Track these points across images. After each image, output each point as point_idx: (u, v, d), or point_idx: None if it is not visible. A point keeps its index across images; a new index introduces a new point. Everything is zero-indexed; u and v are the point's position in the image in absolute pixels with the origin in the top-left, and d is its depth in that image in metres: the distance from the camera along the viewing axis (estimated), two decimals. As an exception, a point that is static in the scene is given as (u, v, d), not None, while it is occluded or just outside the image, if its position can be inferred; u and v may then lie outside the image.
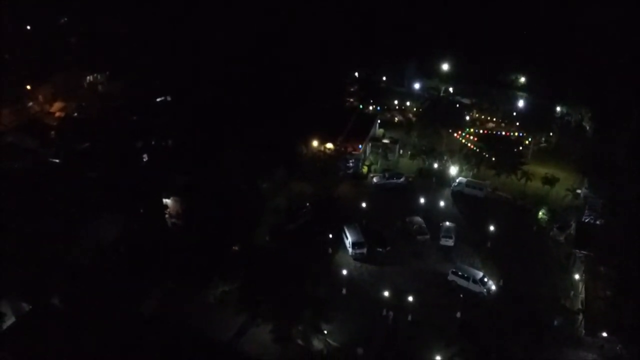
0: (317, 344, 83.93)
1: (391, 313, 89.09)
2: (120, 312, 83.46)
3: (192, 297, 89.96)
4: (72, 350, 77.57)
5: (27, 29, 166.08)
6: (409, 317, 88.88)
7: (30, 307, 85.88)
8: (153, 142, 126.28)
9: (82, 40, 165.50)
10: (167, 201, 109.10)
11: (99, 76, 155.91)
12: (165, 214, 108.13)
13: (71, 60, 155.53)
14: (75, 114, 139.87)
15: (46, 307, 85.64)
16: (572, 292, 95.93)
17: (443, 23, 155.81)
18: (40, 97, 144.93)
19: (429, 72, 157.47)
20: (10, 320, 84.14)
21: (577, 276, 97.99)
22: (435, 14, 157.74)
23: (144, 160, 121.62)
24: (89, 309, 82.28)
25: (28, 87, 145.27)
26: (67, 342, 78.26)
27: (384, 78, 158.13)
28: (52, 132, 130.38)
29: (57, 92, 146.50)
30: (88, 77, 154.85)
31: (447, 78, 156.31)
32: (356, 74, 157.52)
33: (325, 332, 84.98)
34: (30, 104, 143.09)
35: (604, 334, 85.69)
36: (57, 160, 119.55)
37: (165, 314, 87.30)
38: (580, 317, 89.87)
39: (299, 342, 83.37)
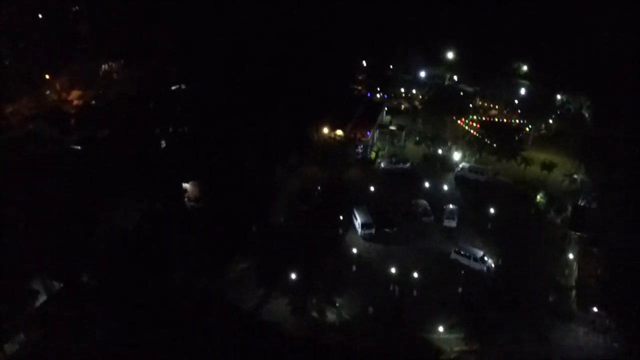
0: (330, 315, 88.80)
1: (397, 288, 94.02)
2: (150, 286, 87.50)
3: (213, 275, 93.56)
4: (104, 325, 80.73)
5: (39, 17, 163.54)
6: (414, 292, 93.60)
7: (62, 285, 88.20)
8: (170, 129, 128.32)
9: (95, 28, 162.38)
10: (185, 185, 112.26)
11: (113, 64, 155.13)
12: (185, 197, 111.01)
13: (85, 49, 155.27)
14: (93, 102, 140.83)
15: (77, 285, 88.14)
16: (566, 271, 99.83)
17: (448, 12, 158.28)
18: (58, 86, 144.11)
19: (435, 61, 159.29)
20: (42, 298, 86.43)
21: (571, 256, 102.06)
22: (441, 2, 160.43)
23: (162, 146, 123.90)
24: (119, 285, 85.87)
25: (47, 76, 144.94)
26: (99, 318, 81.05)
27: (391, 66, 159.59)
28: (72, 120, 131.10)
29: (74, 81, 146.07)
30: (103, 66, 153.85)
31: (452, 66, 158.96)
32: (364, 62, 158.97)
33: (338, 304, 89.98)
34: (48, 92, 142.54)
35: (595, 309, 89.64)
36: (79, 147, 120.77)
37: (190, 286, 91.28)
38: (574, 293, 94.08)
39: (314, 314, 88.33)
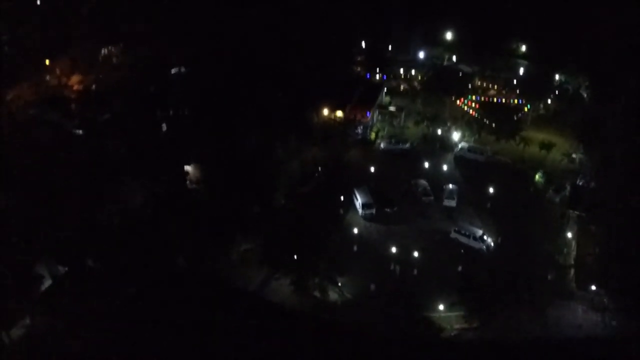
0: (332, 294, 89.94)
1: (398, 267, 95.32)
2: (154, 267, 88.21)
3: (216, 256, 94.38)
4: (109, 307, 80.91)
5: (37, 3, 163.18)
6: (415, 271, 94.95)
7: (66, 269, 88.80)
8: (171, 112, 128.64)
9: (93, 12, 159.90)
10: (187, 168, 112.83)
11: (113, 49, 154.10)
12: (186, 180, 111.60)
13: (85, 34, 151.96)
14: (94, 86, 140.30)
15: (82, 269, 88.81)
16: (565, 249, 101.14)
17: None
18: (58, 71, 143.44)
19: (433, 41, 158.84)
20: (47, 283, 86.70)
21: (570, 234, 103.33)
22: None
23: (163, 129, 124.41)
24: (124, 268, 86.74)
25: (47, 62, 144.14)
26: (104, 301, 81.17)
27: (390, 47, 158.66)
28: (73, 105, 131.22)
29: (74, 66, 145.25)
30: (103, 50, 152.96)
31: (451, 47, 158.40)
32: (363, 44, 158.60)
33: (339, 284, 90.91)
34: (48, 78, 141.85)
35: (593, 287, 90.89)
36: (80, 132, 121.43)
37: (194, 267, 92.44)
38: (572, 271, 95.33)
39: (316, 293, 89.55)
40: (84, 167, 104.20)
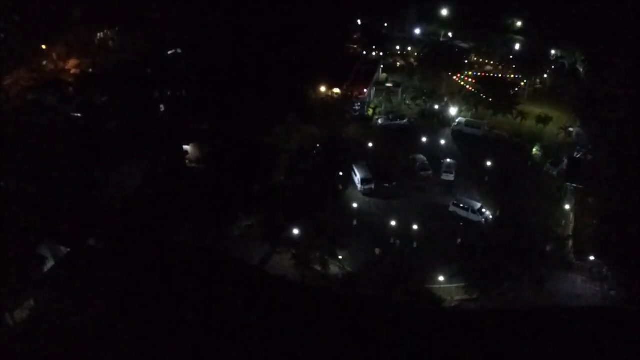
0: (333, 268, 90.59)
1: (398, 241, 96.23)
2: (155, 244, 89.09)
3: (218, 232, 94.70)
4: (111, 286, 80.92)
5: None
6: (414, 244, 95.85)
7: (68, 249, 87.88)
8: (168, 93, 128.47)
9: None
10: (186, 147, 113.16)
11: (109, 32, 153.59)
12: (186, 159, 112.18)
13: (81, 18, 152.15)
14: (90, 70, 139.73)
15: (84, 248, 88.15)
16: (563, 221, 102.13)
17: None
18: (54, 56, 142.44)
19: (429, 18, 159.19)
20: (50, 264, 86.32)
21: (567, 206, 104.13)
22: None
23: (161, 110, 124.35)
24: (125, 246, 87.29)
25: (43, 46, 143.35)
26: (107, 281, 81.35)
27: (386, 25, 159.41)
28: (70, 88, 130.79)
29: (71, 50, 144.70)
30: (99, 34, 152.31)
31: (447, 23, 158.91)
32: (359, 21, 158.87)
33: (340, 257, 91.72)
34: (45, 62, 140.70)
35: (592, 258, 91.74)
36: (79, 115, 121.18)
37: (196, 244, 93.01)
38: (570, 243, 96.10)
39: (317, 267, 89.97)
40: (84, 149, 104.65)
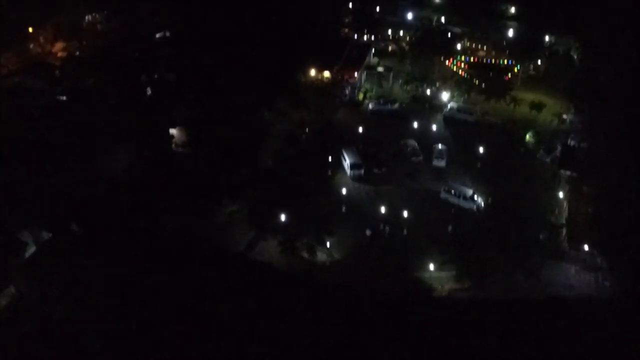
0: (320, 256, 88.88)
1: (388, 228, 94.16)
2: (139, 230, 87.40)
3: (203, 219, 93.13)
4: (94, 272, 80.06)
5: None
6: (404, 231, 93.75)
7: (50, 235, 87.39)
8: (156, 76, 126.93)
9: None
10: (172, 131, 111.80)
11: (97, 15, 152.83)
12: (172, 143, 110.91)
13: (68, 1, 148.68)
14: (77, 53, 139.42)
15: (66, 234, 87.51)
16: (556, 209, 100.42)
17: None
18: (42, 39, 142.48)
19: (422, 2, 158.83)
20: (31, 249, 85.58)
21: (561, 194, 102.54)
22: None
23: (148, 93, 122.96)
24: (108, 232, 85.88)
25: (30, 29, 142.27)
26: (89, 266, 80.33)
27: (377, 9, 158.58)
28: (57, 72, 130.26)
29: (58, 33, 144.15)
30: (87, 17, 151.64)
31: (439, 8, 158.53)
32: (350, 5, 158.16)
33: (328, 245, 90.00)
34: (32, 46, 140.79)
35: (586, 247, 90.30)
36: (65, 98, 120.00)
37: (180, 230, 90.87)
38: (564, 231, 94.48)
39: (304, 254, 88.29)
40: (69, 132, 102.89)
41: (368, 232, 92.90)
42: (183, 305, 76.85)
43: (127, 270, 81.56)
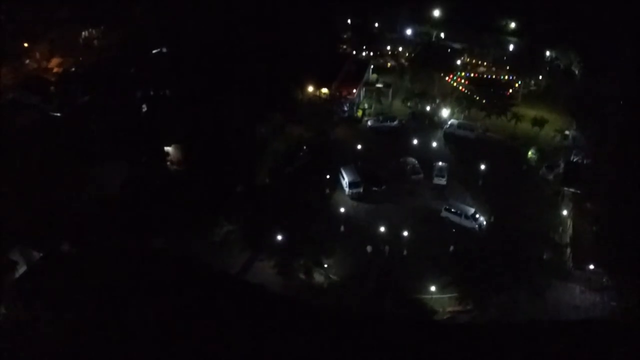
0: (317, 277, 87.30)
1: (387, 248, 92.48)
2: (130, 250, 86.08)
3: (197, 238, 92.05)
4: (85, 293, 78.70)
5: None
6: (404, 252, 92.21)
7: (41, 254, 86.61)
8: (151, 93, 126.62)
9: None
10: (168, 149, 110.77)
11: (94, 31, 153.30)
12: (167, 161, 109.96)
13: (65, 16, 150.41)
14: (73, 69, 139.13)
15: (57, 254, 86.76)
16: (560, 228, 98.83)
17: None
18: (37, 54, 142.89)
19: (421, 18, 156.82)
20: (22, 269, 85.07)
21: (565, 212, 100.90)
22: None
23: (144, 110, 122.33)
24: (100, 252, 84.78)
25: (25, 45, 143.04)
26: (80, 286, 79.27)
27: (377, 24, 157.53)
28: (52, 88, 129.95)
29: (54, 49, 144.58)
30: (83, 33, 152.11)
31: (439, 24, 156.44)
32: (349, 20, 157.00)
33: (326, 266, 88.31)
34: (27, 61, 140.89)
35: (591, 267, 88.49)
36: (59, 114, 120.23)
37: (173, 250, 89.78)
38: (568, 251, 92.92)
39: (301, 275, 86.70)
40: (62, 149, 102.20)
41: (369, 249, 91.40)
42: (174, 329, 75.10)
43: (118, 291, 79.76)
